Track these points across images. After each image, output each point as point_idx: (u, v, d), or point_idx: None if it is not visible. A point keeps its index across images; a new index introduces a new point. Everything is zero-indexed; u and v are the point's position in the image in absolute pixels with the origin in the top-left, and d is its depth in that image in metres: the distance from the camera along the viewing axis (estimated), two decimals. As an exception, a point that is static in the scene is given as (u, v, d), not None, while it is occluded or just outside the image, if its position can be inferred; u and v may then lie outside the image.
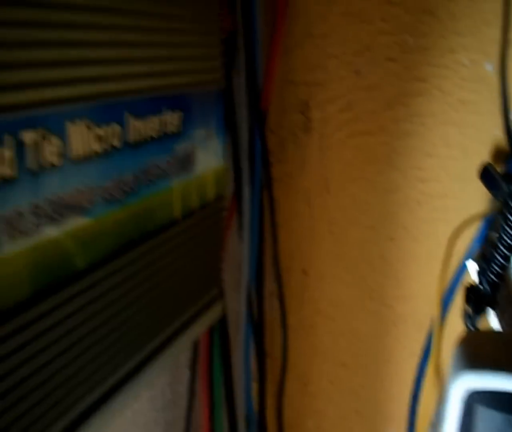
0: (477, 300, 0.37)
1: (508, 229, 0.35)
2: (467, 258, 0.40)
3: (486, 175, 0.39)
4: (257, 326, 0.43)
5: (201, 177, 0.30)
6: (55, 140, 0.21)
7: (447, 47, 0.43)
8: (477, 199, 0.42)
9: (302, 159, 0.49)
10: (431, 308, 0.45)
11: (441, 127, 0.44)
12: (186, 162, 0.29)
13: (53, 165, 0.21)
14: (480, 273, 0.38)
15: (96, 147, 0.23)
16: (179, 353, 0.31)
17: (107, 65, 0.22)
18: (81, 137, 0.22)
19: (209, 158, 0.31)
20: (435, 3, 0.43)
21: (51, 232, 0.21)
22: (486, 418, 0.24)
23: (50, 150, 0.20)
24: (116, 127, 0.24)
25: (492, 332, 0.36)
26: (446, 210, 0.44)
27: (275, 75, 0.46)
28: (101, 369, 0.24)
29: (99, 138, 0.23)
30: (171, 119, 0.27)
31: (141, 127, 0.25)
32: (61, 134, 0.21)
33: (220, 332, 0.39)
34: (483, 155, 0.42)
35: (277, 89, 0.48)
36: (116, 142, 0.24)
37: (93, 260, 0.23)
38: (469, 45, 0.42)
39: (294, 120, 0.49)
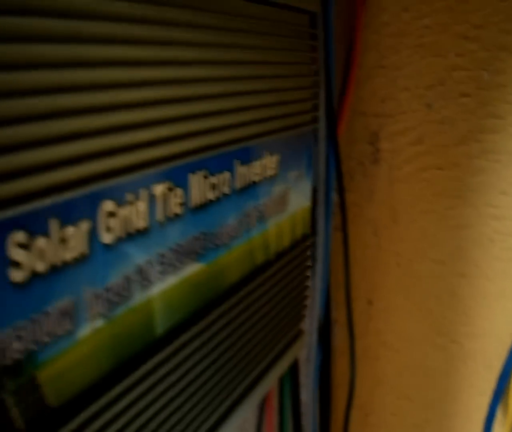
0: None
1: None
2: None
3: None
4: (325, 355, 0.44)
5: (292, 216, 0.31)
6: (179, 191, 0.21)
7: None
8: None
9: (370, 190, 0.49)
10: (502, 347, 0.44)
11: (517, 166, 0.43)
12: (281, 203, 0.29)
13: (176, 215, 0.21)
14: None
15: (210, 195, 0.23)
16: (266, 391, 0.32)
17: (228, 115, 0.23)
18: (199, 187, 0.23)
19: (299, 197, 0.32)
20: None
21: (171, 279, 0.22)
22: None
23: (175, 201, 0.21)
24: (227, 175, 0.24)
25: None
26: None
27: (348, 107, 0.47)
28: (192, 422, 0.24)
29: (213, 187, 0.24)
30: (270, 163, 0.28)
31: (246, 173, 0.26)
32: (184, 185, 0.22)
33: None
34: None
35: (347, 119, 0.48)
36: (226, 189, 0.25)
37: (201, 305, 0.24)
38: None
39: (363, 150, 0.49)
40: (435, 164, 0.46)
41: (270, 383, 0.30)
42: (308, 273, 0.35)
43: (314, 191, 0.38)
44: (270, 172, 0.28)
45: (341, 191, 0.43)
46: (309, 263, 0.35)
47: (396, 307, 0.49)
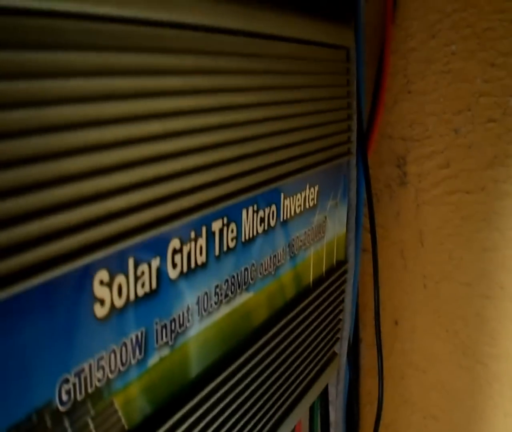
0: None
1: None
2: None
3: None
4: (353, 375, 0.45)
5: (329, 244, 0.32)
6: (233, 227, 0.23)
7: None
8: None
9: (397, 212, 0.50)
10: (528, 369, 0.45)
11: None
12: (320, 232, 0.31)
13: (230, 249, 0.23)
14: None
15: (260, 228, 0.25)
16: (302, 414, 0.33)
17: (277, 152, 0.25)
18: (250, 221, 0.24)
19: (335, 225, 0.33)
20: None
21: (225, 309, 0.23)
22: None
23: (231, 236, 0.23)
24: (273, 208, 0.26)
25: None
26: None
27: (377, 130, 0.48)
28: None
29: (262, 220, 0.25)
30: (311, 195, 0.29)
31: (290, 205, 0.27)
32: (237, 221, 0.23)
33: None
34: None
35: (375, 143, 0.50)
36: (273, 222, 0.26)
37: (251, 331, 0.25)
38: None
39: (390, 173, 0.50)
40: (461, 188, 0.47)
41: (307, 406, 0.32)
42: (343, 298, 0.36)
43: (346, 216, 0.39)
44: (311, 203, 0.29)
45: (371, 215, 0.44)
46: (344, 288, 0.36)
47: (422, 328, 0.50)
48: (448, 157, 0.48)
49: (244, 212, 0.23)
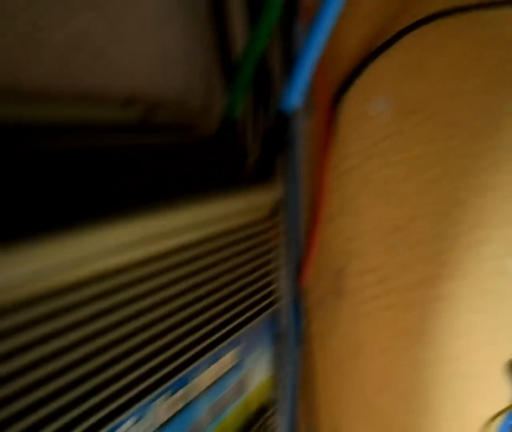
0: None
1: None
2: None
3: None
4: None
5: (252, 393, 0.33)
6: (144, 422, 0.24)
7: (475, 239, 0.46)
8: (505, 385, 0.44)
9: (334, 323, 0.52)
10: None
11: (467, 314, 0.47)
12: (241, 387, 0.32)
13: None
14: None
15: (174, 410, 0.26)
16: None
17: (201, 329, 0.26)
18: (162, 410, 0.25)
19: (259, 373, 0.34)
20: (466, 196, 0.47)
21: None
22: None
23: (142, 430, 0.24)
24: (190, 387, 0.27)
25: None
26: (477, 392, 0.46)
27: (315, 246, 0.50)
28: None
29: (175, 404, 0.26)
30: (231, 358, 0.30)
31: (208, 376, 0.28)
32: (148, 415, 0.24)
33: None
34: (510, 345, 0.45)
35: (313, 257, 0.52)
36: (189, 398, 0.27)
37: None
38: (494, 238, 0.45)
39: (327, 286, 0.52)
40: (395, 303, 0.50)
41: None
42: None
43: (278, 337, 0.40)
44: (232, 364, 0.30)
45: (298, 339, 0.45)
46: (273, 428, 0.37)
47: (360, 437, 0.51)
48: (383, 274, 0.50)
49: (154, 405, 0.24)
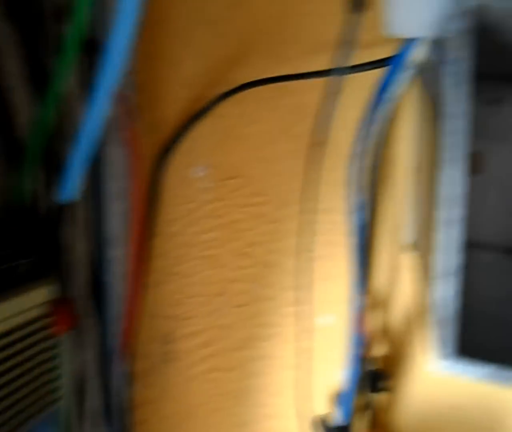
0: None
1: None
2: None
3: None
4: None
5: None
6: None
7: (290, 299, 0.49)
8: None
9: (166, 387, 0.53)
10: None
11: (285, 370, 0.49)
12: None
13: None
14: None
15: None
16: None
17: None
18: None
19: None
20: (277, 258, 0.49)
21: None
22: None
23: None
24: None
25: None
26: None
27: (138, 312, 0.50)
28: None
29: None
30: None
31: None
32: None
33: None
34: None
35: (140, 321, 0.52)
36: None
37: None
38: (307, 298, 0.48)
39: (157, 350, 0.53)
40: (221, 366, 0.51)
41: None
42: None
43: None
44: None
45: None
46: None
47: None
48: (208, 337, 0.51)
49: None
